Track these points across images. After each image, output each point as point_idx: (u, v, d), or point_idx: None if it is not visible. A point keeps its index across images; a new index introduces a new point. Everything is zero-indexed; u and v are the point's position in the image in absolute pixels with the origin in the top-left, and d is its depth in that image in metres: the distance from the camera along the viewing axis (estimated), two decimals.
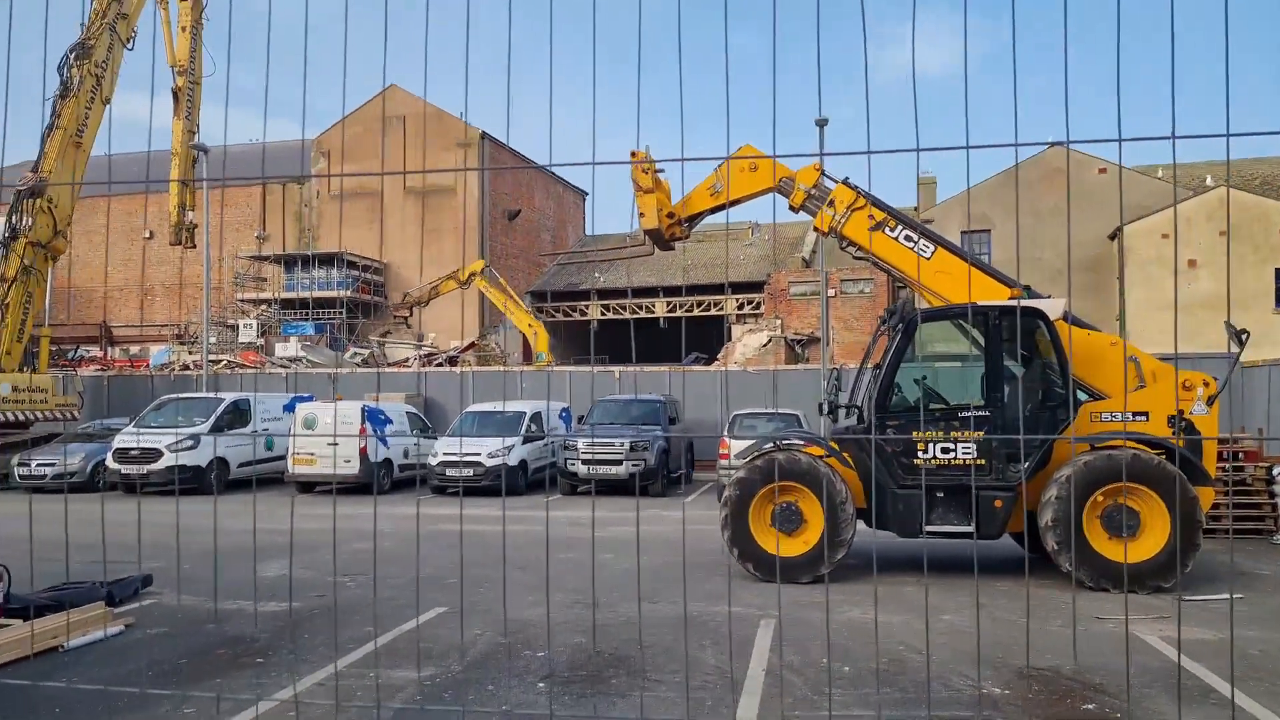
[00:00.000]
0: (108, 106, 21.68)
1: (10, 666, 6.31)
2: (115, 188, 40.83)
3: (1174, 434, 9.31)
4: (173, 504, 17.04)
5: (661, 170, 11.88)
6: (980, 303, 9.96)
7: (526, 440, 19.06)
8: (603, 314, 41.29)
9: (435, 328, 37.98)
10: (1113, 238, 31.40)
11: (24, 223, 20.86)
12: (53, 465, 19.19)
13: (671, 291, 39.92)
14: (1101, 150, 33.45)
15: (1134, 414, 9.51)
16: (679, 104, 3.91)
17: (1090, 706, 5.58)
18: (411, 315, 33.84)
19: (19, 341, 21.33)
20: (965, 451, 9.18)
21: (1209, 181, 34.32)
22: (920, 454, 9.28)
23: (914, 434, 9.32)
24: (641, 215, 11.81)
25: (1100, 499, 8.82)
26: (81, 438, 21.12)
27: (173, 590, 8.81)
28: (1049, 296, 10.57)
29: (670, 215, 11.99)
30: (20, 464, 19.49)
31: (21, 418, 21.03)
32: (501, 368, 30.46)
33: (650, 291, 40.49)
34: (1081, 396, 9.76)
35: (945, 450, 9.22)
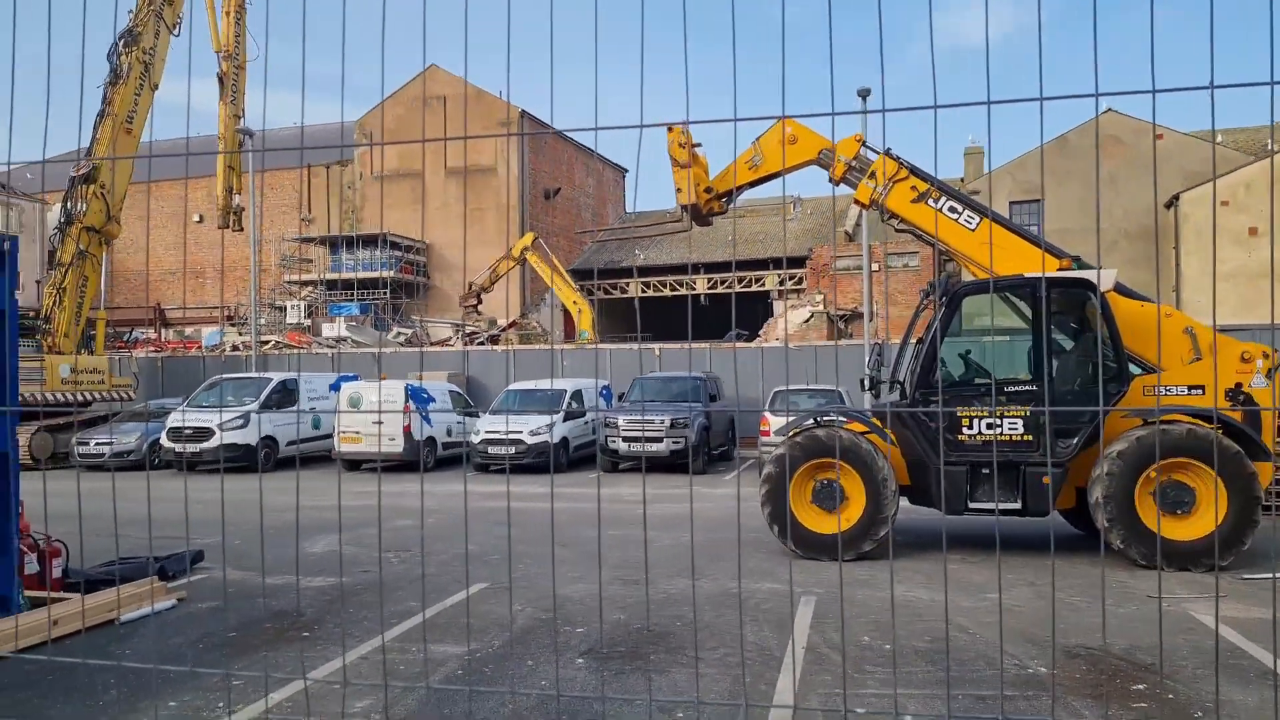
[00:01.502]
0: (156, 92, 22.11)
1: (68, 639, 6.52)
2: (165, 172, 41.60)
3: (1230, 407, 9.01)
4: (225, 481, 17.45)
5: (699, 145, 11.75)
6: (1026, 274, 9.70)
7: (568, 418, 19.13)
8: (643, 291, 41.20)
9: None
10: (1169, 206, 30.39)
11: (78, 208, 21.43)
12: (110, 444, 19.77)
13: (713, 268, 39.66)
14: (1159, 115, 32.30)
15: (1189, 388, 9.21)
16: (731, 75, 3.82)
17: (1140, 687, 5.44)
18: (480, 302, 34.15)
19: (76, 324, 21.98)
20: (1011, 427, 8.99)
21: (1271, 146, 33.00)
22: (965, 430, 9.11)
23: (959, 410, 9.14)
24: (678, 190, 11.70)
25: (1153, 475, 8.58)
26: (137, 417, 21.73)
27: (225, 565, 9.02)
28: (1100, 268, 10.25)
29: (708, 190, 11.86)
30: (79, 443, 20.11)
31: (80, 398, 21.69)
32: (535, 346, 30.60)
33: (692, 268, 40.21)
34: (1135, 370, 9.48)
35: (991, 426, 9.03)
